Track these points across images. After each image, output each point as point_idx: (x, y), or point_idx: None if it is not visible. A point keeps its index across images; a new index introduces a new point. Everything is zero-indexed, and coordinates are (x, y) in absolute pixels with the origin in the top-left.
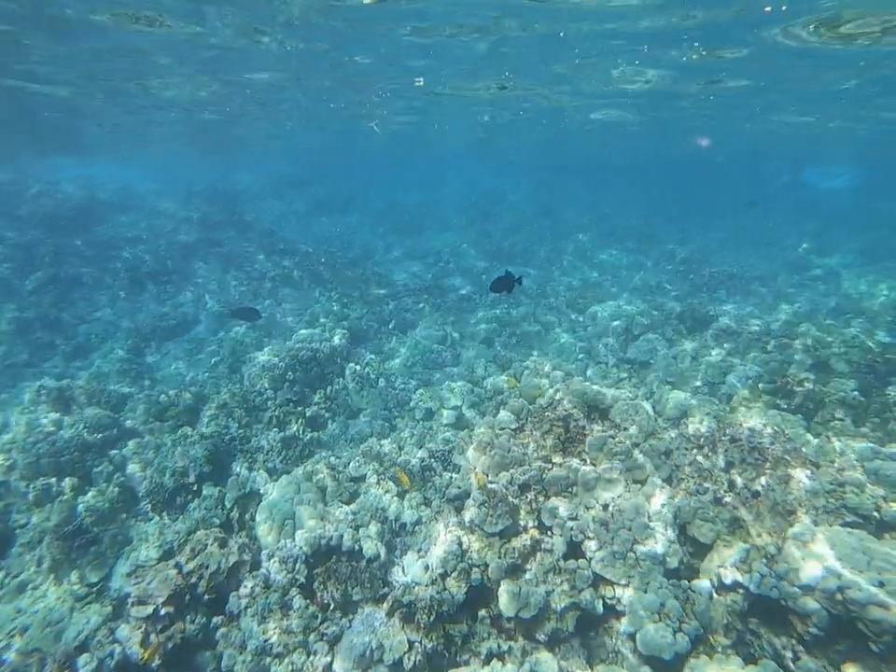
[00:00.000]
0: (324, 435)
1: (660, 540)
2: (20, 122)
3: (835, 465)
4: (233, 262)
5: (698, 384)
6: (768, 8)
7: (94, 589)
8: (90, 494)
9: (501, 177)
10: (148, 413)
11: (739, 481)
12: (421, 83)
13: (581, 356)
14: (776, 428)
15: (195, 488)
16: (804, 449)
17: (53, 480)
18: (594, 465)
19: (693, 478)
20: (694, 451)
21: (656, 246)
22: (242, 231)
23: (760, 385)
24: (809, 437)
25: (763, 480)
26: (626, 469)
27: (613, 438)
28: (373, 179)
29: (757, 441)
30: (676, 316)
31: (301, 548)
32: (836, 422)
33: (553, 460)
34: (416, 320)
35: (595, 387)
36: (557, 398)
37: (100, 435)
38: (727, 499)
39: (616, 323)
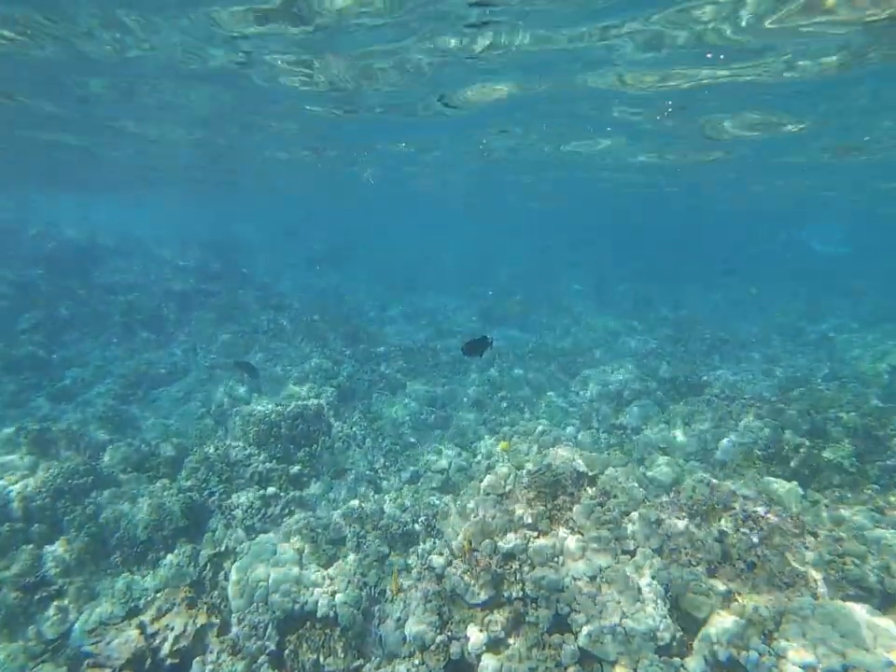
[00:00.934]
0: (306, 494)
1: (651, 614)
2: (28, 161)
3: (834, 534)
4: (227, 314)
5: (690, 450)
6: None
7: (51, 647)
8: (56, 543)
9: (499, 239)
10: (127, 461)
11: (734, 552)
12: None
13: (572, 420)
14: (771, 496)
15: (169, 543)
16: (801, 518)
17: (21, 525)
18: (581, 533)
19: (685, 548)
20: (686, 520)
21: (650, 311)
22: (237, 283)
23: (754, 452)
24: (806, 505)
25: (758, 551)
26: (615, 539)
27: (602, 506)
28: (371, 234)
29: (752, 509)
30: (668, 381)
31: (273, 612)
32: (834, 489)
33: (540, 528)
34: (407, 380)
35: (584, 453)
36: (546, 463)
37: (74, 482)
38: (721, 571)
39: (608, 388)
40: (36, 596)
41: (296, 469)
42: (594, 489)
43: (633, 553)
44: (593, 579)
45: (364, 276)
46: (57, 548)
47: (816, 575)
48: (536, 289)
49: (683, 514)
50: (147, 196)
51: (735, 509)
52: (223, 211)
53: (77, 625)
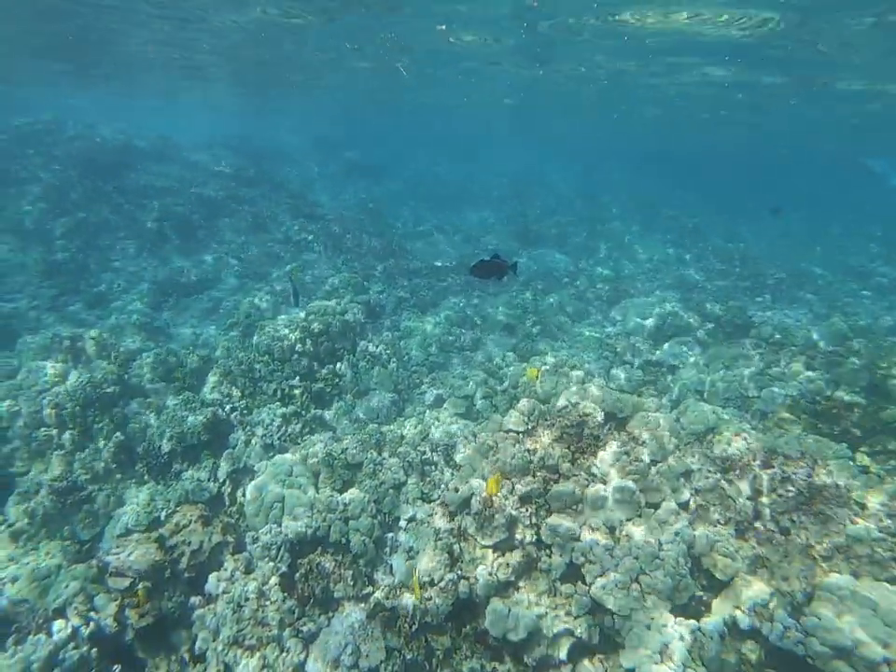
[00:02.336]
0: (328, 413)
1: (670, 573)
2: (64, 43)
3: (887, 509)
4: (259, 222)
5: (729, 397)
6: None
7: (84, 548)
8: (87, 450)
9: (542, 154)
10: (155, 372)
11: (767, 513)
12: (444, 28)
13: (606, 353)
14: (815, 457)
15: (191, 456)
16: (848, 484)
17: (55, 432)
18: (604, 482)
19: (713, 505)
20: (718, 475)
21: (699, 241)
22: (272, 191)
23: (801, 405)
24: (855, 471)
25: (795, 516)
26: (640, 490)
27: (629, 454)
28: (410, 147)
29: (792, 469)
30: (713, 319)
31: (286, 535)
32: (890, 456)
33: (561, 472)
34: (438, 300)
35: (615, 393)
36: (573, 401)
37: (104, 390)
38: (752, 533)
39: (647, 321)
40: (69, 500)
41: (318, 386)
42: (622, 434)
43: (657, 507)
44: (612, 530)
45: (402, 189)
46: (87, 454)
47: (860, 551)
48: (579, 209)
49: (715, 468)
50: (185, 98)
51: (773, 467)
52: (263, 118)
53: (106, 530)
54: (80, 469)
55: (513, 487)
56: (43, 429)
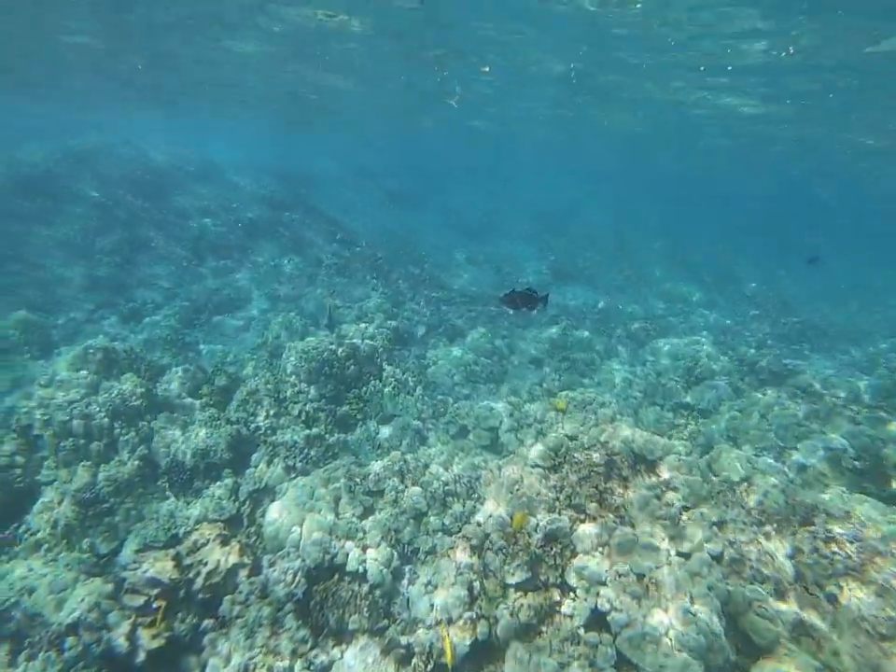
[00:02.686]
0: (351, 438)
1: (703, 629)
2: (112, 71)
3: None
4: (295, 245)
5: (765, 446)
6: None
7: (102, 561)
8: (112, 463)
9: (577, 189)
10: (183, 387)
11: (810, 575)
12: (487, 70)
13: (635, 393)
14: (864, 519)
15: (213, 474)
16: None
17: (82, 442)
18: (633, 525)
19: (750, 560)
20: (755, 528)
21: (734, 285)
22: (309, 216)
23: (844, 461)
24: None
25: (844, 582)
26: (671, 537)
27: (659, 498)
28: (446, 178)
29: (837, 530)
30: (748, 364)
31: (303, 560)
32: None
33: (588, 512)
34: (467, 329)
35: (645, 434)
36: (602, 439)
37: (132, 404)
38: (792, 595)
39: (678, 363)
40: (91, 512)
41: (343, 410)
42: (651, 476)
43: (688, 557)
44: (640, 577)
45: (436, 220)
46: (111, 467)
47: None
48: (612, 247)
49: (751, 520)
50: (229, 122)
51: (814, 525)
52: (302, 145)
53: (125, 545)
54: (104, 480)
55: (538, 524)
56: (71, 439)
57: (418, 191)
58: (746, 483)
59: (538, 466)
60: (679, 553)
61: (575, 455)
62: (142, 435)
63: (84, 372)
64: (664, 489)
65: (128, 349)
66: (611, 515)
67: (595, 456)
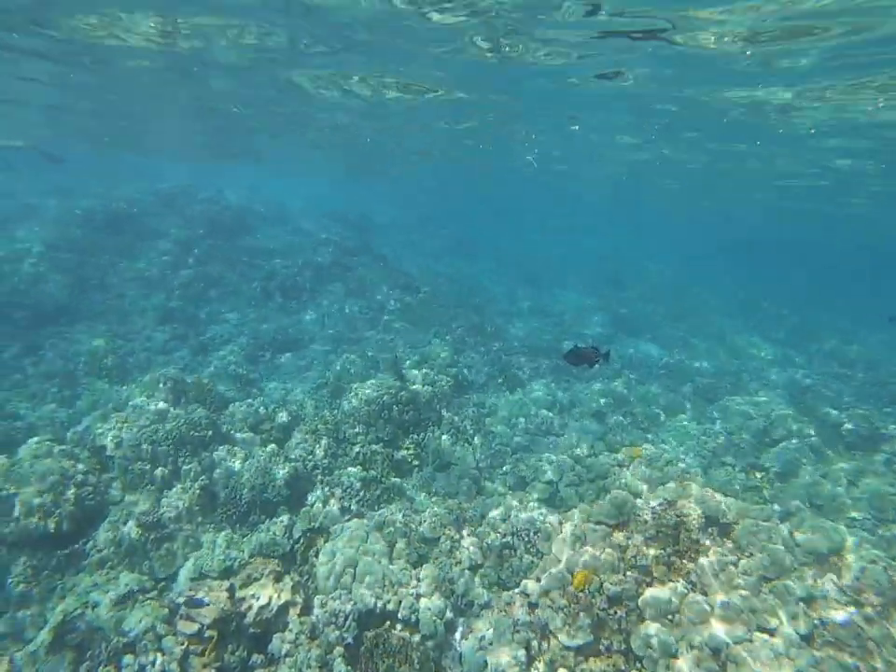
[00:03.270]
0: (407, 483)
1: None
2: (207, 132)
3: None
4: (358, 289)
5: (856, 515)
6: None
7: (160, 585)
8: (175, 490)
9: (639, 239)
10: (245, 422)
11: None
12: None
13: (703, 451)
14: None
15: (269, 509)
16: None
17: (148, 467)
18: (706, 593)
19: (848, 646)
20: (851, 608)
21: (811, 341)
22: (372, 261)
23: None
24: None
25: None
26: (749, 610)
27: (736, 565)
28: (508, 226)
29: None
30: (831, 426)
31: (355, 604)
32: None
33: (655, 575)
34: (527, 379)
35: (717, 496)
36: (669, 498)
37: (197, 434)
38: None
39: (751, 422)
40: (152, 535)
41: (401, 454)
42: (725, 541)
43: (772, 634)
44: (716, 652)
45: (496, 267)
46: (173, 494)
47: None
48: (676, 299)
49: (846, 599)
50: (300, 170)
51: None
52: (365, 191)
53: (182, 571)
54: (166, 506)
55: (602, 585)
56: (139, 463)
57: (479, 238)
58: (836, 556)
59: (601, 523)
60: (760, 629)
61: (640, 513)
62: (204, 465)
63: (155, 400)
64: (740, 556)
65: (196, 380)
66: (682, 580)
67: (663, 516)
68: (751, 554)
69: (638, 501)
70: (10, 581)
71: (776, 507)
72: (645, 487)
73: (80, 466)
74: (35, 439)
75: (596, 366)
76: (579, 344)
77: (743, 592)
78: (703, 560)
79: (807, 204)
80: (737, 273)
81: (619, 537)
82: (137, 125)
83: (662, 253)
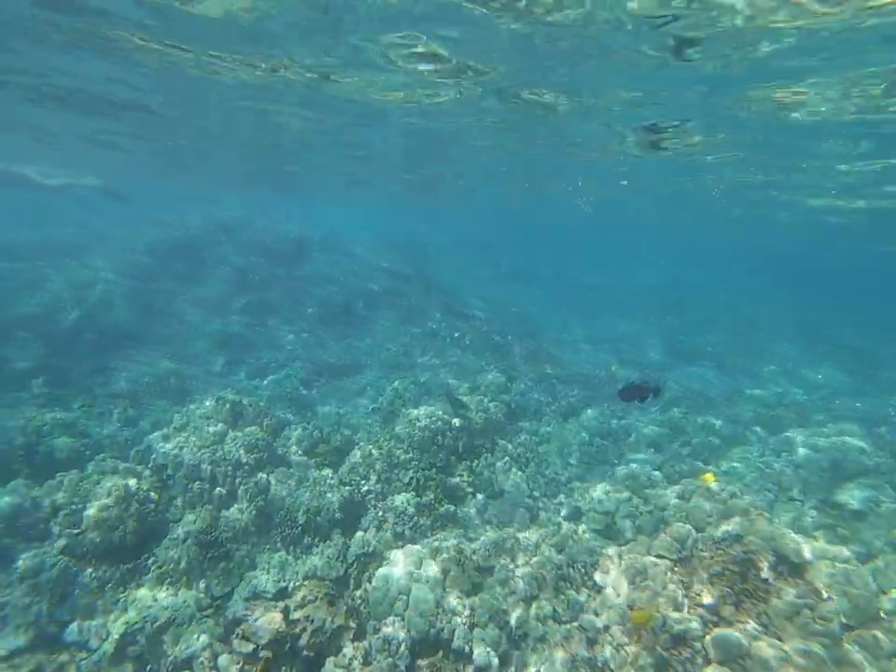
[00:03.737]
0: (460, 511)
1: None
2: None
3: None
4: (411, 316)
5: None
6: None
7: (216, 603)
8: (232, 510)
9: (694, 265)
10: (300, 445)
11: None
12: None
13: (767, 484)
14: None
15: (325, 532)
16: None
17: (207, 486)
18: (779, 638)
19: None
20: None
21: (881, 369)
22: (425, 287)
23: None
24: None
25: None
26: (832, 661)
27: (812, 609)
28: (560, 253)
29: None
30: None
31: (408, 631)
32: None
33: (722, 614)
34: (581, 407)
35: (788, 532)
36: (735, 532)
37: (253, 455)
38: None
39: (821, 455)
40: (210, 554)
41: (454, 481)
42: (799, 583)
43: None
44: None
45: (548, 294)
46: (231, 514)
47: None
48: (733, 325)
49: None
50: (355, 199)
51: None
52: (421, 218)
53: (237, 590)
54: (223, 526)
55: (665, 623)
56: (198, 482)
57: (532, 264)
58: None
59: (662, 557)
60: None
61: (704, 548)
62: (260, 486)
63: (214, 422)
64: (817, 599)
65: (253, 403)
66: (752, 622)
67: (729, 553)
68: (829, 598)
69: (701, 535)
70: (76, 591)
71: (854, 547)
72: (707, 520)
73: (143, 483)
74: (102, 455)
75: (648, 400)
76: (634, 380)
77: (823, 640)
78: (775, 602)
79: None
80: (796, 296)
81: (682, 572)
82: (206, 162)
83: (718, 278)
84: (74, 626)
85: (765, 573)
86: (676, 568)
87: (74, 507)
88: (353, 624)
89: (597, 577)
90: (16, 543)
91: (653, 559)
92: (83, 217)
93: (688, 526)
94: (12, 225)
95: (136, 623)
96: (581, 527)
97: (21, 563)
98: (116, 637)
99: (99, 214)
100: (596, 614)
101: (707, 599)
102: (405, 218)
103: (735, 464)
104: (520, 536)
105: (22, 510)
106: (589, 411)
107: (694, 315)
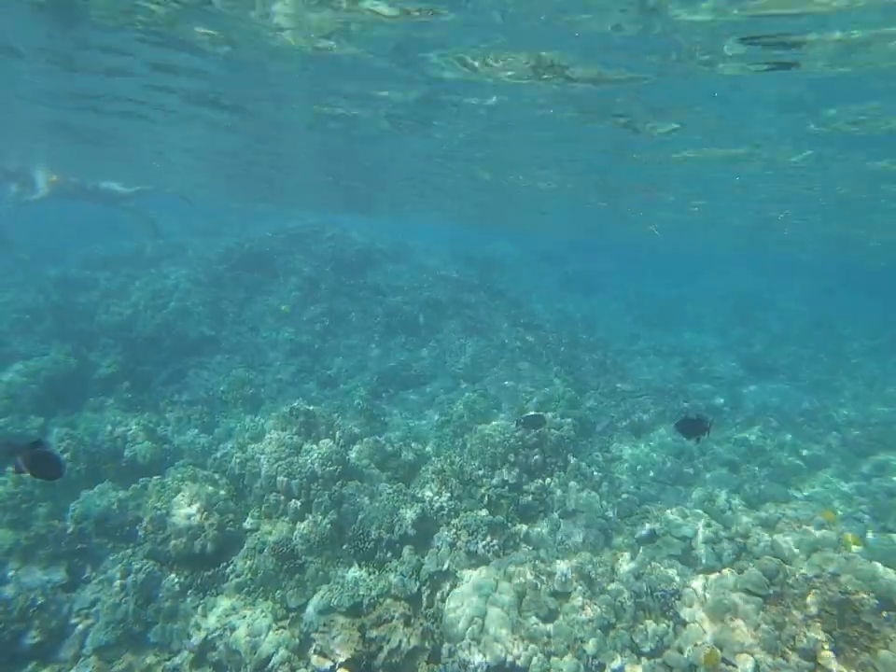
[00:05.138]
0: (532, 530)
1: None
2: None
3: None
4: (479, 327)
5: None
6: None
7: (291, 615)
8: (306, 522)
9: (769, 273)
10: (372, 458)
11: None
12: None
13: (859, 513)
14: None
15: (397, 548)
16: None
17: (283, 498)
18: None
19: None
20: None
21: None
22: (491, 298)
23: None
24: None
25: None
26: None
27: None
28: (627, 262)
29: None
30: None
31: (483, 656)
32: None
33: (819, 660)
34: (653, 424)
35: (891, 573)
36: (829, 570)
37: (327, 468)
38: None
39: None
40: (286, 565)
41: (527, 500)
42: None
43: None
44: None
45: (617, 306)
46: (305, 527)
47: None
48: (812, 337)
49: None
50: (423, 213)
51: None
52: (488, 229)
53: (311, 603)
54: (299, 538)
55: (758, 667)
56: (273, 494)
57: (599, 275)
58: None
59: (751, 593)
60: None
61: (796, 585)
62: (334, 499)
63: (289, 433)
64: None
65: (326, 414)
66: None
67: (825, 592)
68: None
69: (790, 569)
70: (161, 594)
71: None
72: (795, 552)
73: (222, 492)
74: (181, 462)
75: (702, 438)
76: (690, 415)
77: None
78: (884, 653)
79: None
80: (883, 308)
81: (773, 611)
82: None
83: (793, 287)
84: (157, 628)
85: (867, 616)
86: (767, 607)
87: (158, 511)
88: (428, 646)
89: (681, 610)
90: (105, 543)
91: (743, 595)
92: (164, 227)
93: (776, 560)
94: (100, 236)
95: (216, 630)
96: (659, 552)
97: (110, 564)
98: (197, 643)
99: (177, 224)
100: (681, 650)
101: (802, 643)
102: (472, 230)
103: (819, 489)
104: (595, 559)
105: (110, 512)
106: (661, 428)
107: (770, 325)
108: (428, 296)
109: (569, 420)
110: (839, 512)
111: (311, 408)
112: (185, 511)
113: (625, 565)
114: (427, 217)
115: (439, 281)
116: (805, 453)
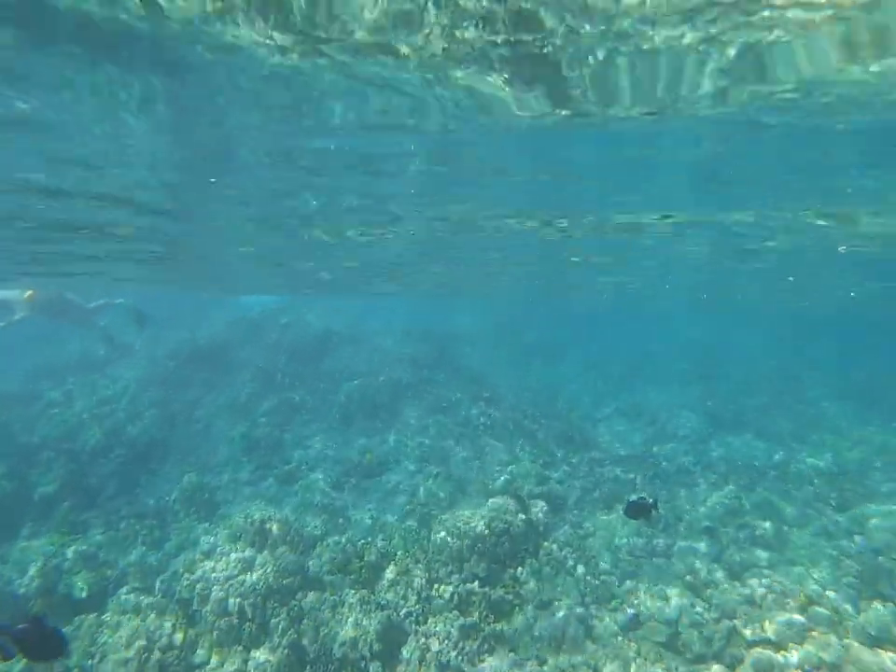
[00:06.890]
0: (506, 628)
1: None
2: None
3: None
4: (440, 406)
5: None
6: None
7: None
8: (261, 650)
9: (727, 327)
10: (333, 562)
11: None
12: None
13: (846, 577)
14: None
15: (362, 665)
16: None
17: (236, 622)
18: None
19: None
20: None
21: None
22: (451, 374)
23: None
24: None
25: None
26: None
27: None
28: (584, 327)
29: None
30: None
31: None
32: None
33: None
34: (625, 492)
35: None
36: (827, 659)
37: (284, 581)
38: None
39: None
40: None
41: (498, 593)
42: None
43: None
44: None
45: (579, 371)
46: (261, 654)
47: None
48: (778, 388)
49: None
50: (381, 290)
51: None
52: (442, 304)
53: None
54: (253, 669)
55: None
56: (225, 619)
57: (559, 343)
58: None
59: None
60: None
61: None
62: (292, 616)
63: (241, 547)
64: None
65: (282, 519)
66: None
67: None
68: None
69: (782, 658)
70: None
71: None
72: (787, 634)
73: (167, 624)
74: (125, 589)
75: (653, 513)
76: (632, 498)
77: None
78: None
79: None
80: (852, 358)
81: None
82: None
83: (756, 338)
84: None
85: None
86: None
87: (90, 661)
88: None
89: None
90: None
91: None
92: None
93: (770, 654)
94: (40, 348)
95: None
96: (644, 643)
97: None
98: None
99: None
100: None
101: None
102: (426, 307)
103: (802, 551)
104: (577, 660)
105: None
106: (632, 495)
107: (734, 378)
108: (388, 377)
109: (539, 502)
110: (821, 575)
111: (266, 514)
112: (121, 655)
113: (610, 664)
114: (385, 291)
115: (397, 361)
116: (782, 510)
